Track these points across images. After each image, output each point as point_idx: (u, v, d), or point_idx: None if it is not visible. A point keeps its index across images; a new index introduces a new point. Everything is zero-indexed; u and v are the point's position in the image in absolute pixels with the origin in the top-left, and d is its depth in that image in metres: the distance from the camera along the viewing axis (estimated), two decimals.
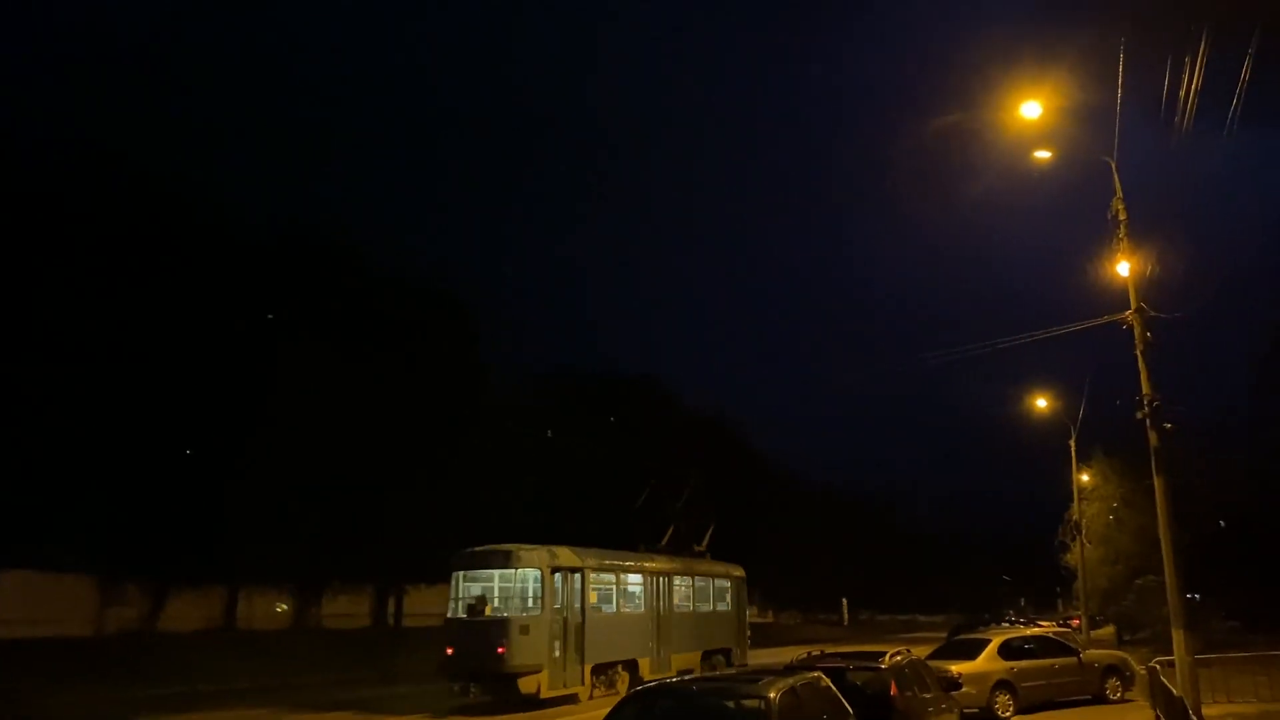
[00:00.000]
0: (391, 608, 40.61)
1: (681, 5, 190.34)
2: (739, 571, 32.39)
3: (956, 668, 17.88)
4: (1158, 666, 16.29)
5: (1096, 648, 28.40)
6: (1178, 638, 16.57)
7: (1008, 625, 44.26)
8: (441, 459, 35.27)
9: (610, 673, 23.97)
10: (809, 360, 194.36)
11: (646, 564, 26.92)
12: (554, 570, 22.03)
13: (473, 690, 21.23)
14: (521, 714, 20.54)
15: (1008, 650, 19.67)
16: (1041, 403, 42.58)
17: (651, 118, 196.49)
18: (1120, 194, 18.55)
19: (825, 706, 9.11)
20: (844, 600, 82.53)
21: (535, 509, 41.82)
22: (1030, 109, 17.84)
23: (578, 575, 22.94)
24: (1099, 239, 19.29)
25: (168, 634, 30.79)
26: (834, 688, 9.67)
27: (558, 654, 21.70)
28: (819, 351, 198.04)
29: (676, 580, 28.11)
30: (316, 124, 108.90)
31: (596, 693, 23.02)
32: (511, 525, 40.21)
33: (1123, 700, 20.36)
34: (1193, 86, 14.97)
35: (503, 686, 20.85)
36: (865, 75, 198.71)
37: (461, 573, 22.61)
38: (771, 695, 7.98)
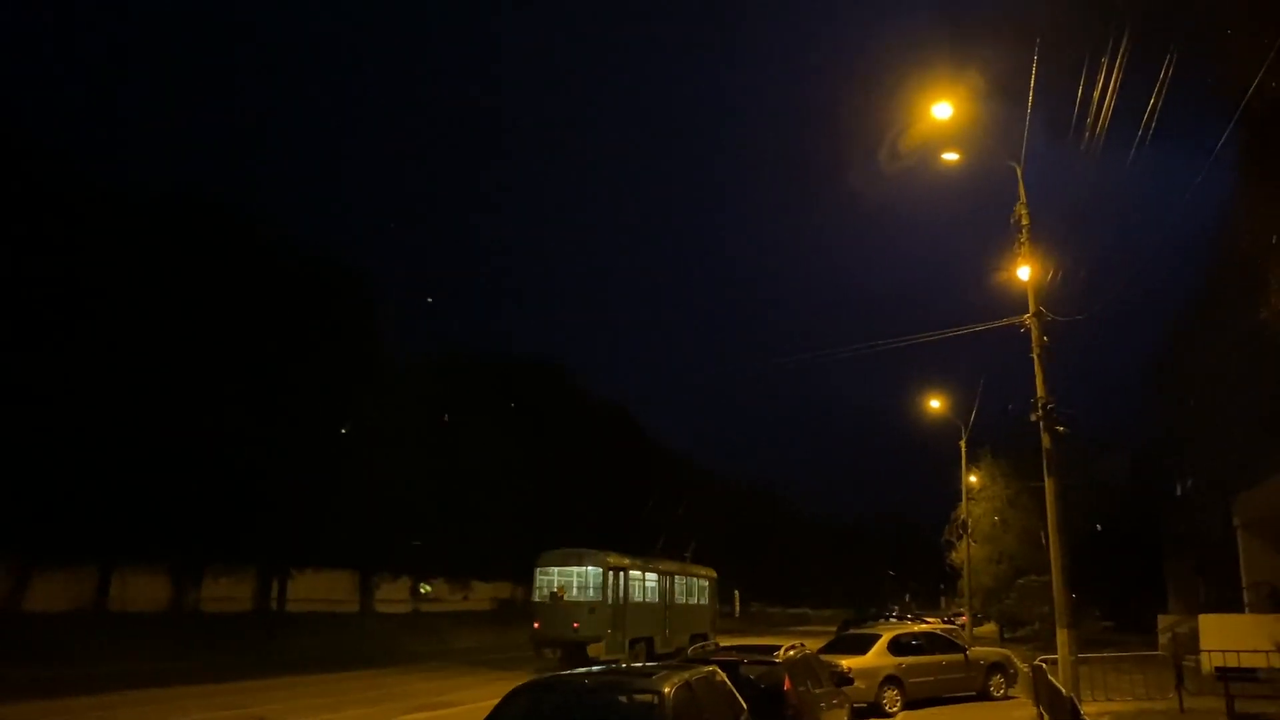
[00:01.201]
0: (275, 591, 39.20)
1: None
2: (713, 573, 40.90)
3: (847, 662, 17.91)
4: (1043, 665, 16.58)
5: (980, 645, 29.05)
6: (1061, 637, 16.92)
7: (891, 620, 45.21)
8: (332, 437, 34.22)
9: (639, 646, 30.81)
10: (707, 352, 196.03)
11: (661, 566, 34.96)
12: (609, 569, 29.96)
13: (547, 653, 28.49)
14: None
15: (897, 646, 19.88)
16: (935, 403, 43.47)
17: (557, 110, 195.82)
18: (1024, 199, 18.82)
19: (720, 701, 8.87)
20: (735, 592, 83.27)
21: (431, 494, 41.13)
22: (941, 110, 17.89)
23: (623, 573, 30.77)
24: (1003, 244, 19.58)
25: (33, 614, 29.09)
26: (729, 682, 9.45)
27: (610, 630, 29.11)
28: (718, 344, 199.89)
29: (677, 579, 36.25)
30: (225, 95, 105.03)
31: (633, 658, 29.07)
32: (405, 511, 39.77)
33: (1006, 697, 20.76)
34: (1106, 104, 15.16)
35: (575, 651, 27.30)
36: (771, 71, 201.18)
37: (541, 568, 30.49)
38: (666, 690, 7.69)
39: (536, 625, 29.65)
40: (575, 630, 28.46)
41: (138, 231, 29.65)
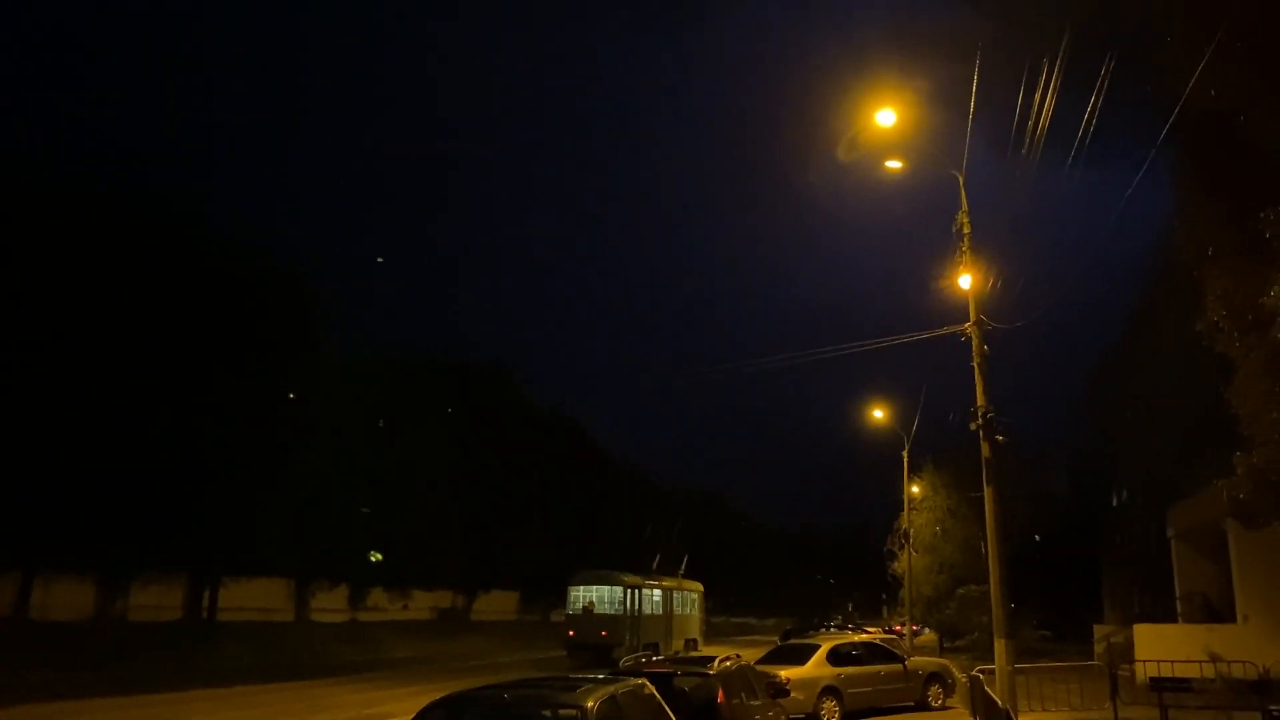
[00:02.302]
0: (206, 600, 38.13)
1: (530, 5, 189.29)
2: (700, 587, 47.68)
3: (785, 673, 17.70)
4: (980, 676, 16.50)
5: (920, 654, 29.05)
6: (999, 647, 16.86)
7: (831, 630, 45.27)
8: (267, 441, 33.40)
9: (650, 650, 35.03)
10: (650, 359, 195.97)
11: (664, 583, 42.05)
12: (628, 587, 37.20)
13: (584, 654, 33.98)
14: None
15: (836, 656, 19.73)
16: (879, 414, 43.63)
17: (500, 117, 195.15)
18: (966, 208, 18.82)
19: (648, 715, 8.54)
20: None
21: (370, 500, 40.39)
22: (885, 117, 17.82)
23: (637, 590, 38.01)
24: (944, 254, 19.57)
25: None
26: (658, 695, 9.12)
27: (629, 636, 35.75)
28: (661, 351, 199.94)
29: (674, 593, 43.02)
30: (165, 93, 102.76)
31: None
32: (343, 517, 38.98)
33: (944, 707, 20.70)
34: (1043, 115, 15.18)
35: (603, 654, 32.60)
36: (715, 77, 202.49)
37: (573, 587, 37.50)
38: (589, 704, 7.34)
39: (571, 633, 36.48)
40: (603, 637, 35.20)
41: (62, 229, 28.70)
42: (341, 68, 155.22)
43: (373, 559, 46.93)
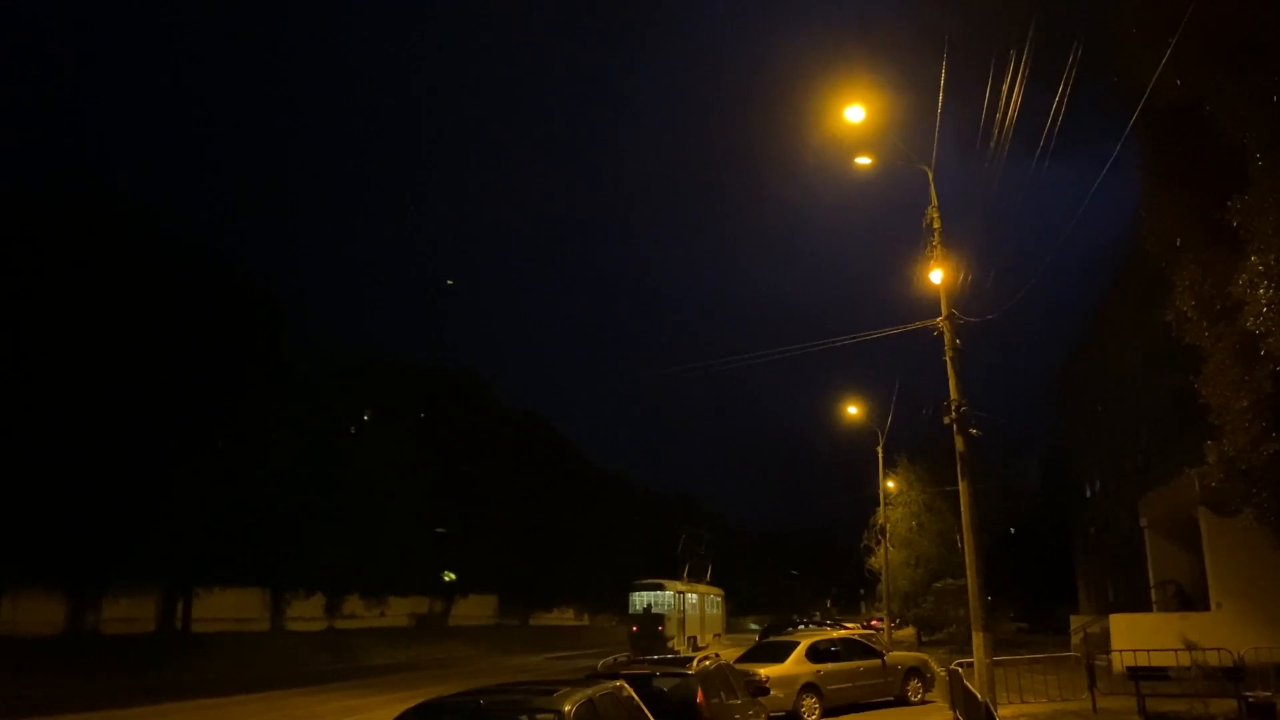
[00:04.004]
0: (180, 611, 37.63)
1: (496, 9, 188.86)
2: (722, 592, 62.46)
3: (765, 671, 17.66)
4: (959, 670, 16.51)
5: (898, 649, 29.08)
6: (977, 640, 16.88)
7: (811, 627, 45.30)
8: (237, 449, 33.00)
9: (690, 640, 47.84)
10: (620, 362, 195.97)
11: (699, 589, 53.71)
12: (677, 592, 48.30)
13: (644, 644, 41.88)
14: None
15: (815, 653, 19.67)
16: (853, 409, 43.72)
17: (472, 120, 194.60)
18: (935, 203, 18.85)
19: (626, 718, 8.45)
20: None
21: (344, 507, 39.99)
22: (854, 113, 17.78)
23: (683, 594, 49.39)
24: (915, 250, 19.60)
25: None
26: (636, 697, 9.03)
27: (676, 631, 46.39)
28: (631, 353, 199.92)
29: (705, 596, 55.25)
30: (137, 101, 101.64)
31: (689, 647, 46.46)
32: (317, 525, 38.54)
33: (923, 702, 20.71)
34: (1010, 108, 15.22)
35: (660, 645, 42.30)
36: (683, 77, 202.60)
37: (634, 592, 47.46)
38: (566, 709, 7.23)
39: (634, 629, 46.19)
40: (660, 631, 44.99)
41: (25, 237, 28.25)
42: (320, 78, 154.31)
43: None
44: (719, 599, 59.22)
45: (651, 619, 45.59)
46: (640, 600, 47.06)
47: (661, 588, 47.40)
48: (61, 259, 28.65)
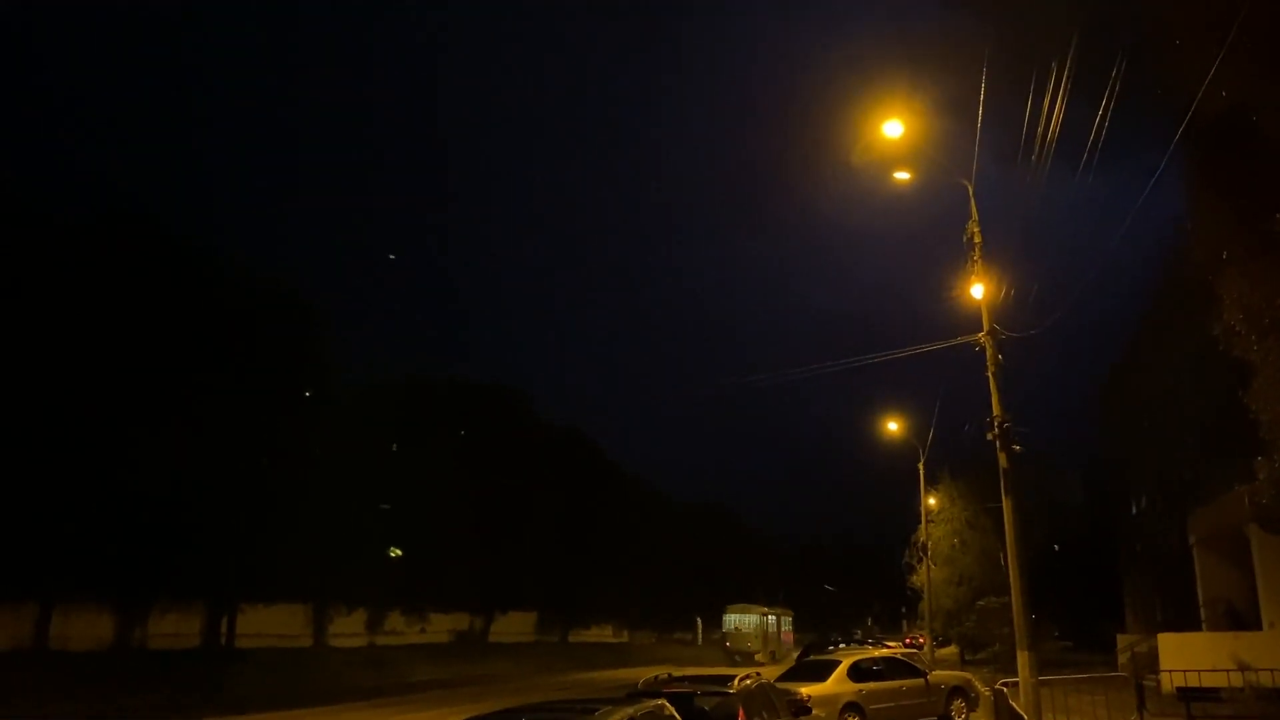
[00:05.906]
0: (224, 627, 38.02)
1: (525, 17, 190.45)
2: (791, 612, 74.63)
3: (806, 690, 17.52)
4: (1004, 689, 16.29)
5: (941, 668, 28.75)
6: (1022, 659, 16.63)
7: (853, 645, 44.85)
8: (280, 466, 33.36)
9: (771, 655, 56.91)
10: (660, 375, 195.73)
11: (774, 610, 66.57)
12: (763, 614, 62.97)
13: (738, 658, 54.10)
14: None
15: (857, 672, 19.52)
16: (893, 425, 43.38)
17: (506, 134, 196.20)
18: (976, 217, 18.71)
19: None
20: (698, 619, 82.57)
21: (386, 523, 40.25)
22: (892, 128, 17.73)
23: (768, 615, 63.40)
24: (956, 264, 19.46)
25: None
26: (678, 716, 9.02)
27: (763, 646, 58.37)
28: (673, 366, 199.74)
29: (780, 617, 68.04)
30: (172, 119, 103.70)
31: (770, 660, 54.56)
32: (359, 541, 38.83)
33: None
34: (1053, 121, 15.08)
35: (749, 659, 52.62)
36: (723, 89, 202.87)
37: (727, 614, 62.51)
38: None
39: (728, 644, 59.28)
40: (749, 647, 57.34)
41: (65, 256, 28.82)
42: (351, 90, 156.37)
43: (392, 554, 46.37)
44: (789, 618, 72.43)
45: (743, 636, 59.48)
46: (732, 620, 61.35)
47: (751, 611, 61.87)
48: (114, 281, 29.23)
